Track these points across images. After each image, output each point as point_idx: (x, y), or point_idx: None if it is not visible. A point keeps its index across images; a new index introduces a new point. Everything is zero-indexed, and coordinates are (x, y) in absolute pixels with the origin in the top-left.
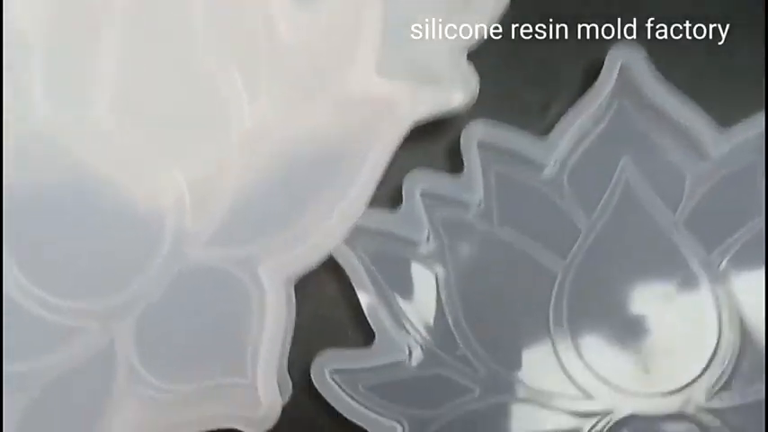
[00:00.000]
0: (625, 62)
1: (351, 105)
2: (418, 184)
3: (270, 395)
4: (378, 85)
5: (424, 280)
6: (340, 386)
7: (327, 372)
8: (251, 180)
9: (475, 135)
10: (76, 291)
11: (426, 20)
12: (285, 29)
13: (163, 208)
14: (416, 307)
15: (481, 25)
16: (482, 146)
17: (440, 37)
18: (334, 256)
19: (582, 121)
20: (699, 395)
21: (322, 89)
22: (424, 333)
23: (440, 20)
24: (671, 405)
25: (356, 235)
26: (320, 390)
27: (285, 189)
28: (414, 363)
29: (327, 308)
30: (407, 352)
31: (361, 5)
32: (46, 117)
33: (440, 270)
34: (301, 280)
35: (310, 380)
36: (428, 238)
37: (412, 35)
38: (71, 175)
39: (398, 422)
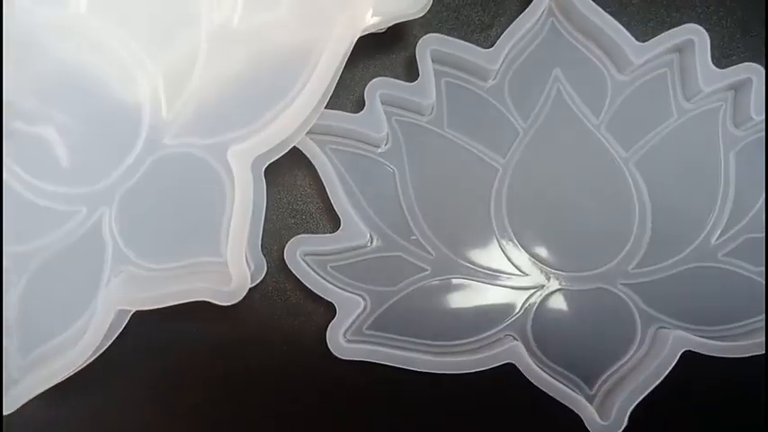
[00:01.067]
0: None
1: (312, 6)
2: (378, 89)
3: (239, 271)
4: None
5: (383, 175)
6: (310, 266)
7: (299, 253)
8: (220, 74)
9: (428, 46)
10: (65, 178)
11: None
12: None
13: (140, 99)
14: (376, 199)
15: None
16: (434, 56)
17: None
18: (305, 152)
19: (520, 36)
20: (619, 272)
21: None
22: (382, 221)
23: None
24: (594, 280)
25: (324, 135)
26: (292, 269)
27: (251, 82)
28: (374, 246)
29: (301, 201)
30: (369, 237)
31: None
32: (27, 14)
33: (396, 167)
34: (277, 176)
35: (284, 261)
36: (387, 139)
37: None
38: (53, 71)
39: (361, 297)
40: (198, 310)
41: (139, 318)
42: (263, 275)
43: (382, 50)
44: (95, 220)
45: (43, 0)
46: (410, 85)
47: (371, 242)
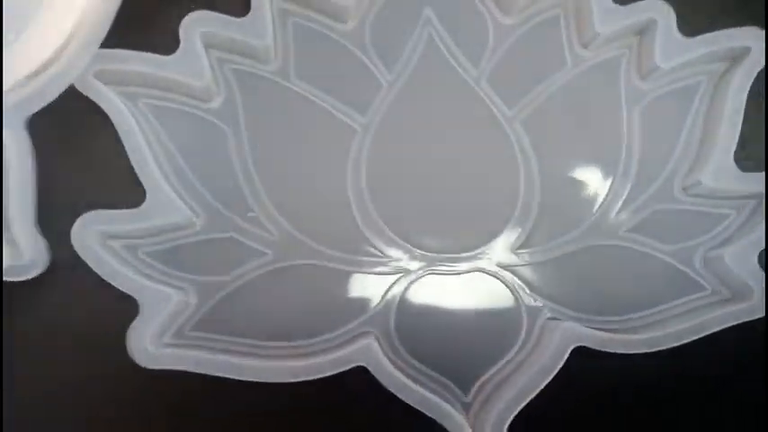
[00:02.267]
0: None
1: None
2: (198, 26)
3: (30, 245)
4: None
5: (212, 136)
6: (113, 251)
7: (95, 234)
8: None
9: None
10: None
11: None
12: None
13: None
14: (202, 166)
15: None
16: None
17: None
18: (100, 104)
19: None
20: (500, 253)
21: None
22: (210, 194)
23: None
24: (470, 263)
25: (135, 86)
26: (80, 253)
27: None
28: (199, 226)
29: (98, 163)
30: (191, 214)
31: None
32: None
33: (230, 126)
34: (67, 131)
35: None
36: (219, 92)
37: None
38: None
39: (181, 289)
40: None
41: None
42: (45, 263)
43: None
44: None
45: None
46: (239, 20)
47: (196, 220)
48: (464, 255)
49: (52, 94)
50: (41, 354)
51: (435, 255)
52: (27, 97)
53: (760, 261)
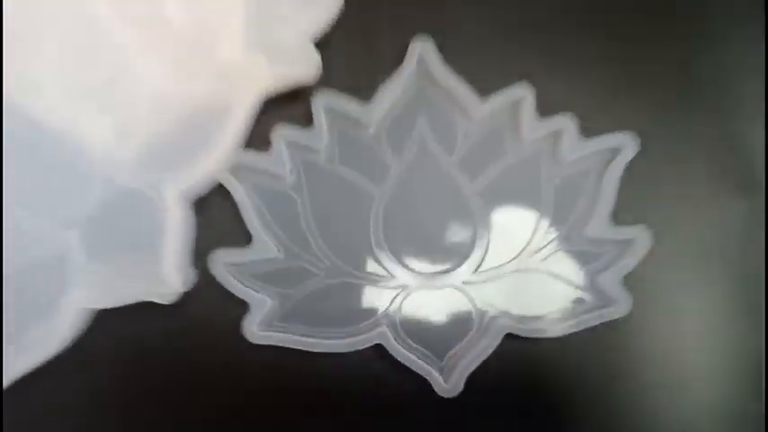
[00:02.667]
0: (421, 53)
1: (224, 75)
2: (283, 136)
3: (175, 280)
4: (244, 59)
5: (288, 202)
6: (232, 274)
7: (221, 263)
8: (158, 129)
9: (321, 102)
10: (44, 208)
11: (282, 10)
12: (178, 22)
13: (95, 149)
14: (283, 220)
15: (323, 18)
16: (327, 109)
17: (292, 25)
18: (225, 185)
19: (393, 93)
20: (465, 274)
21: (204, 65)
22: (286, 238)
23: (292, 11)
24: (445, 281)
25: (238, 169)
26: (215, 275)
27: (182, 135)
28: (279, 258)
29: (222, 224)
30: (277, 252)
31: (232, 10)
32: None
33: (298, 195)
34: (206, 202)
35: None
36: (291, 173)
37: (271, 24)
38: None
39: (269, 296)
40: (145, 308)
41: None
42: (193, 281)
43: (286, 102)
44: (64, 242)
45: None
46: (308, 131)
47: (280, 255)
48: (442, 276)
49: (202, 180)
50: (188, 340)
51: (424, 276)
52: (188, 181)
53: (624, 281)
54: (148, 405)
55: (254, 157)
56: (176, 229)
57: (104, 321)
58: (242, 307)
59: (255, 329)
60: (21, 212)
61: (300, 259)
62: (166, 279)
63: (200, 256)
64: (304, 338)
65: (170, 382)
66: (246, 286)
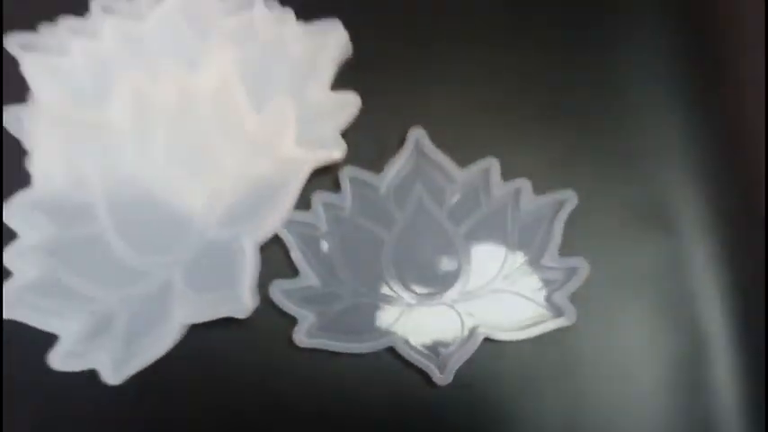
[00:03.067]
0: (416, 137)
1: (284, 160)
2: (319, 198)
3: (248, 301)
4: (295, 150)
5: (321, 246)
6: (283, 296)
7: (277, 290)
8: (237, 195)
9: (347, 173)
10: (150, 250)
11: (318, 114)
12: (251, 126)
13: (194, 211)
14: (318, 258)
15: (346, 117)
16: (350, 179)
17: (326, 123)
18: (279, 235)
19: (397, 165)
20: (453, 294)
21: (268, 153)
22: (322, 271)
23: (326, 114)
24: (438, 300)
25: (288, 224)
26: (273, 298)
27: (254, 201)
28: (317, 285)
29: (278, 262)
30: (315, 281)
31: (287, 117)
32: (132, 164)
33: (330, 240)
34: (265, 248)
35: (269, 294)
36: (325, 225)
37: (312, 123)
38: (149, 195)
39: (311, 313)
40: (224, 322)
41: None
42: (257, 303)
43: (321, 173)
44: (170, 276)
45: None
46: (336, 194)
47: (317, 283)
48: (436, 296)
49: (270, 232)
50: (253, 344)
51: (423, 296)
52: (260, 232)
53: (571, 298)
54: (224, 386)
55: (299, 215)
56: (249, 266)
57: (196, 331)
58: (292, 321)
59: (302, 337)
60: (131, 254)
61: (332, 286)
62: (242, 301)
63: (263, 284)
64: (336, 343)
65: (240, 373)
66: (295, 306)
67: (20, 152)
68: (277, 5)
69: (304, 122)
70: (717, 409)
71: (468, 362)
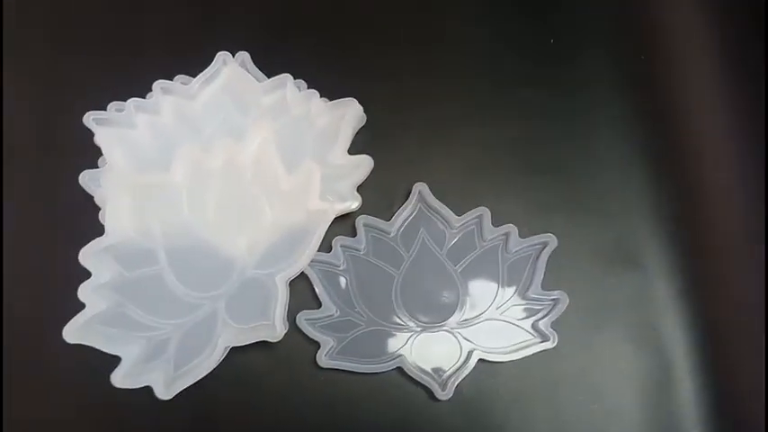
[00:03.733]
0: (420, 190)
1: (311, 212)
2: (339, 242)
3: (279, 328)
4: (320, 204)
5: (340, 282)
6: (308, 324)
7: (303, 319)
8: (272, 241)
9: (362, 221)
10: (199, 287)
11: (340, 175)
12: (285, 185)
13: (236, 254)
14: (338, 292)
15: (361, 176)
16: (365, 225)
17: (345, 181)
18: (305, 272)
19: (404, 214)
20: (453, 322)
21: (298, 206)
22: (341, 302)
23: (345, 174)
24: (440, 328)
25: (313, 263)
26: (300, 325)
27: (286, 245)
28: (337, 315)
29: (304, 295)
30: (335, 311)
31: (314, 177)
32: (187, 217)
33: (347, 276)
34: (294, 283)
35: (296, 322)
36: (343, 263)
37: (333, 181)
38: (200, 242)
39: (331, 338)
40: (259, 345)
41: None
42: (286, 329)
43: (340, 221)
44: (215, 307)
45: (196, 213)
46: (353, 239)
47: (337, 313)
48: (438, 324)
49: (298, 271)
50: (282, 364)
51: (427, 324)
52: (289, 272)
53: (553, 325)
54: (259, 399)
55: (322, 256)
56: (280, 299)
57: (236, 353)
58: (315, 345)
59: (324, 358)
60: (184, 290)
61: (349, 315)
62: (275, 328)
63: (291, 314)
64: (352, 364)
65: (271, 387)
66: (318, 332)
67: (94, 207)
68: (304, 85)
69: (327, 180)
70: (681, 425)
71: (466, 380)
